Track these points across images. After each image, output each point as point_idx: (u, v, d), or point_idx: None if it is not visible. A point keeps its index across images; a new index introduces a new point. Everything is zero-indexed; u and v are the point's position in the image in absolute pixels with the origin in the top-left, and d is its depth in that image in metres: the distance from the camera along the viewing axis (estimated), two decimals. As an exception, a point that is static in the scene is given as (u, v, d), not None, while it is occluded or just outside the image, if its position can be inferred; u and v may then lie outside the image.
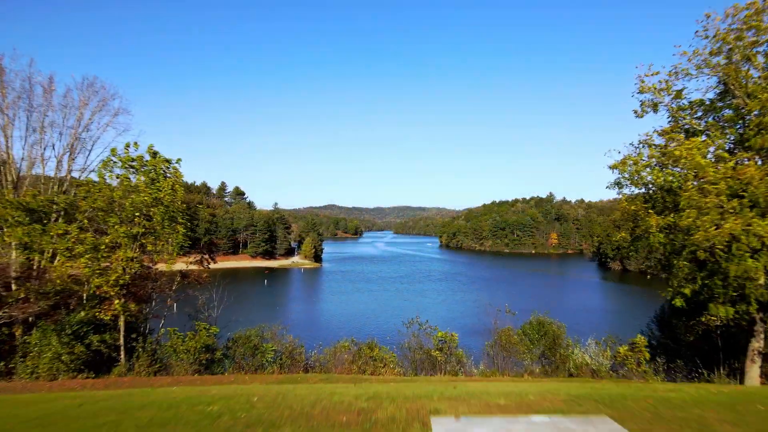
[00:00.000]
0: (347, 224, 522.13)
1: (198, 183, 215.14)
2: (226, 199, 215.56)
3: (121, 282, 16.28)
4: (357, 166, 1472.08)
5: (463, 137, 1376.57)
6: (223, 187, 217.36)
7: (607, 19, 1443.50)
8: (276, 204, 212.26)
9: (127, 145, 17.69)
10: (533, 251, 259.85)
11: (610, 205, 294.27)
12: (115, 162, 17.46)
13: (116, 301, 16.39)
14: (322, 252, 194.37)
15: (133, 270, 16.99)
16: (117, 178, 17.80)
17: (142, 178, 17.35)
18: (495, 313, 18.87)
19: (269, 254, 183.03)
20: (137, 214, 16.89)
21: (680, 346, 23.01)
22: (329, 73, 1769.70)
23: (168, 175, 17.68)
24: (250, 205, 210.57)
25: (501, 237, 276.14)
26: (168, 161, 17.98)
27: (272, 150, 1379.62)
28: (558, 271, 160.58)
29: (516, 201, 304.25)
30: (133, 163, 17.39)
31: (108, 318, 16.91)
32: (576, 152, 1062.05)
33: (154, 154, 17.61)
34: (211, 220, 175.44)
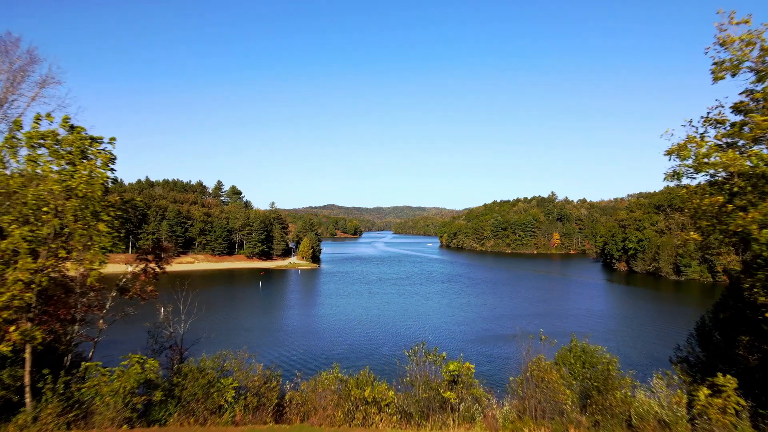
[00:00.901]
0: (346, 224, 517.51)
1: (194, 182, 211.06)
2: (223, 198, 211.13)
3: (17, 303, 11.84)
4: (357, 166, 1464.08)
5: (463, 137, 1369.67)
6: (219, 186, 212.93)
7: (609, 18, 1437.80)
8: (273, 203, 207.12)
9: (38, 117, 13.26)
10: (535, 251, 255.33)
11: (613, 204, 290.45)
12: (19, 139, 13.05)
13: (12, 329, 11.96)
14: (320, 252, 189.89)
15: (41, 284, 12.55)
16: (30, 161, 13.38)
17: (54, 164, 12.91)
18: (526, 340, 14.40)
19: (266, 255, 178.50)
20: (45, 209, 12.46)
21: (732, 367, 18.78)
22: (328, 71, 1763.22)
23: (91, 156, 13.21)
24: (247, 204, 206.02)
25: (502, 237, 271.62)
26: (95, 140, 13.54)
27: (271, 149, 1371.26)
28: (562, 273, 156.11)
29: (517, 200, 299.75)
30: (44, 141, 12.94)
31: (7, 350, 12.51)
32: (578, 152, 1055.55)
33: (72, 128, 13.16)
34: (206, 220, 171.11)
